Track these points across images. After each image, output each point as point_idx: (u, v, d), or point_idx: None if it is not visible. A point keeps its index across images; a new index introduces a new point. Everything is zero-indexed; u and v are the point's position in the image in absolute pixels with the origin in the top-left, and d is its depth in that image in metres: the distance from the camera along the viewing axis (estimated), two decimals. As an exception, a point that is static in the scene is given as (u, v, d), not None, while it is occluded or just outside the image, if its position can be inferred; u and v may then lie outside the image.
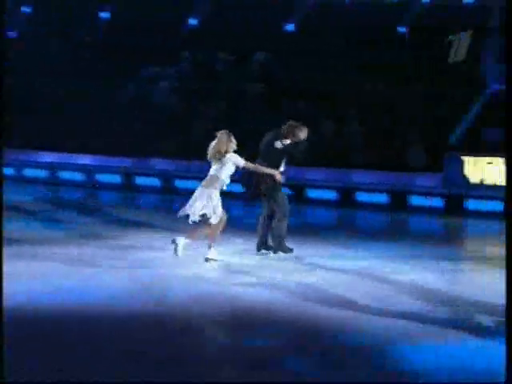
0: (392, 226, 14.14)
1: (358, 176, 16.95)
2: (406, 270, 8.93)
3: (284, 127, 9.73)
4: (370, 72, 20.14)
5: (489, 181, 16.22)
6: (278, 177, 9.44)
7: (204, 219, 9.05)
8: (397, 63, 20.13)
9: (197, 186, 9.15)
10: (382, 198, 15.69)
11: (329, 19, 22.93)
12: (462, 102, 18.66)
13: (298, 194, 16.33)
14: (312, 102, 19.55)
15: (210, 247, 9.18)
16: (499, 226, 14.41)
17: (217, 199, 9.05)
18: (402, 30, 22.18)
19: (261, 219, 9.76)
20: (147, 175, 18.38)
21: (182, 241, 9.05)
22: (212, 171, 9.16)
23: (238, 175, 9.53)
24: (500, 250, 10.19)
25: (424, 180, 16.60)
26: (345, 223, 15.03)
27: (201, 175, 9.35)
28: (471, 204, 14.87)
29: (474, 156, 16.38)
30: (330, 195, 16.22)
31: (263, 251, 9.75)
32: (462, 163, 16.27)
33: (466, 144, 17.18)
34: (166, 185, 18.10)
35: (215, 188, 9.06)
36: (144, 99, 21.38)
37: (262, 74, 21.97)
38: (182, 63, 22.72)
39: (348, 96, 19.52)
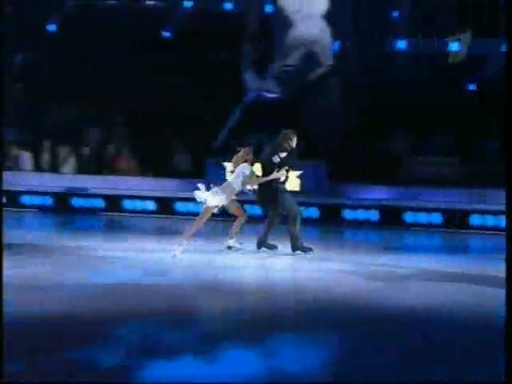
0: (160, 230, 14.42)
1: (126, 183, 17.01)
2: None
3: (280, 137, 10.22)
4: (138, 75, 20.19)
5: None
6: (281, 174, 10.10)
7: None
8: (165, 65, 20.37)
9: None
10: (149, 205, 15.97)
11: (91, 20, 22.72)
12: (228, 107, 19.32)
13: (62, 203, 16.26)
14: (78, 105, 19.29)
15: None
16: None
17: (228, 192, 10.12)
18: (167, 33, 22.55)
19: (266, 221, 10.43)
20: None
21: (232, 242, 10.33)
22: (230, 179, 10.40)
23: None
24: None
25: (191, 186, 17.00)
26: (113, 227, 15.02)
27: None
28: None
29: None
30: (99, 203, 16.18)
31: (264, 249, 10.35)
32: (224, 169, 16.90)
33: (227, 150, 17.87)
34: None
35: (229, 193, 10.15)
36: None
37: (22, 74, 21.31)
38: None
39: (115, 100, 19.45)
